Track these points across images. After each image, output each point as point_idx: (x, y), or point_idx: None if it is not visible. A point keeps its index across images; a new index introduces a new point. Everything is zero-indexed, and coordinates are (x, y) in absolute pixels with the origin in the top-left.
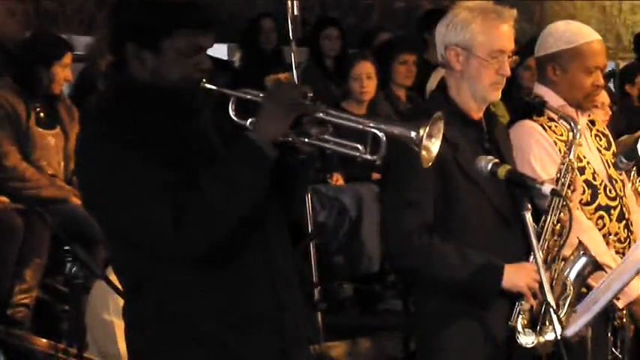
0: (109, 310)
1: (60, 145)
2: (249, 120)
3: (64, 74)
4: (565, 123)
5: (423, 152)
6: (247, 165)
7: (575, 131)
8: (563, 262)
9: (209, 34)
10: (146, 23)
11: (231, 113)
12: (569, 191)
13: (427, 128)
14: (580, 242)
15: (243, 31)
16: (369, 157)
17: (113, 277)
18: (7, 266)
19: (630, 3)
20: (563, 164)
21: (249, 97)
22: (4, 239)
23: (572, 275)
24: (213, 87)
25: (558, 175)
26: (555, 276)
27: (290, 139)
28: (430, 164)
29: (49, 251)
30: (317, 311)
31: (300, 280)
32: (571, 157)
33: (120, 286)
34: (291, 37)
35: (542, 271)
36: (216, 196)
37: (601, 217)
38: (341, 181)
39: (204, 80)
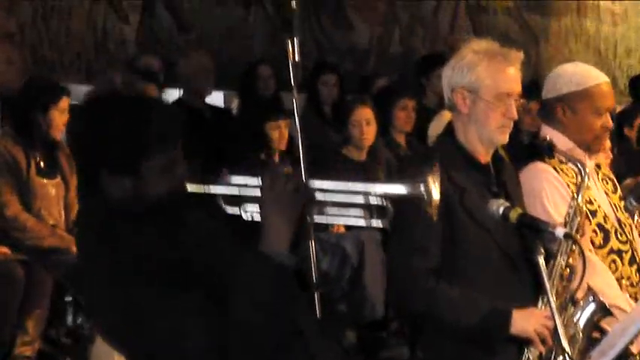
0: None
1: (60, 194)
2: (244, 207)
3: (61, 119)
4: (573, 166)
5: (433, 210)
6: (273, 283)
7: (583, 174)
8: (572, 308)
9: (179, 146)
10: (120, 150)
11: (223, 205)
12: (578, 236)
13: (433, 184)
14: (589, 287)
15: (241, 78)
16: (379, 223)
17: None
18: (8, 317)
19: (625, 47)
20: (572, 208)
21: (237, 192)
22: (5, 290)
23: (582, 321)
24: (200, 190)
25: (567, 219)
26: (565, 322)
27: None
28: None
29: (50, 302)
30: None
31: None
32: (579, 200)
33: None
34: (292, 84)
35: (556, 315)
36: (255, 320)
37: (613, 261)
38: (342, 228)
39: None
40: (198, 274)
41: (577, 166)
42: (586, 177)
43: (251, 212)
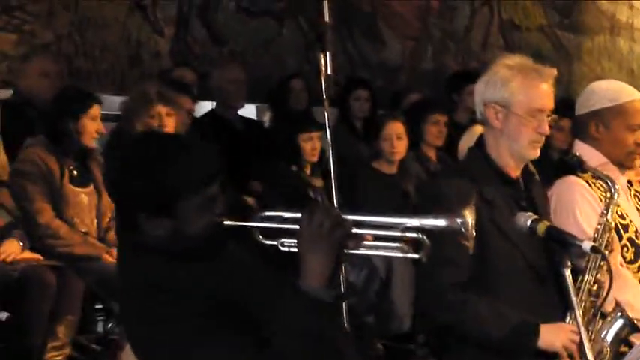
0: None
1: (93, 202)
2: (281, 241)
3: (93, 127)
4: (602, 183)
5: (470, 243)
6: (314, 317)
7: (612, 191)
8: (600, 322)
9: (216, 183)
10: (156, 193)
11: (259, 238)
12: (607, 252)
13: (470, 220)
14: (617, 302)
15: (273, 91)
16: (415, 255)
17: None
18: (40, 323)
19: None
20: (600, 225)
21: (274, 224)
22: (37, 296)
23: (609, 337)
24: (236, 223)
25: (595, 235)
26: (592, 337)
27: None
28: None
29: (80, 309)
30: None
31: None
32: (608, 217)
33: None
34: (324, 97)
35: (582, 329)
36: (294, 352)
37: None
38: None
39: (224, 220)
40: (235, 310)
41: (606, 182)
42: (615, 193)
43: (288, 245)
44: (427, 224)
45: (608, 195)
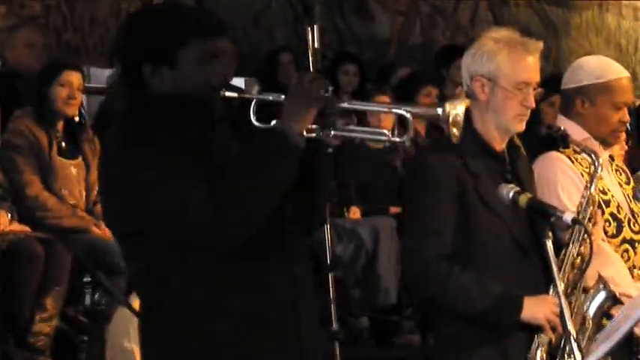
0: (129, 337)
1: (81, 175)
2: (273, 123)
3: (64, 92)
4: (587, 156)
5: (454, 129)
6: (277, 153)
7: (596, 165)
8: (583, 296)
9: (221, 39)
10: (160, 39)
11: (253, 118)
12: (590, 225)
13: (450, 102)
14: (600, 276)
15: (262, 65)
16: (397, 139)
17: (135, 305)
18: (28, 294)
19: None
20: (584, 198)
21: (270, 98)
22: (25, 267)
23: (592, 310)
24: (234, 94)
25: (579, 208)
26: (575, 310)
27: (315, 134)
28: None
29: (68, 281)
30: (335, 341)
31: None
32: (592, 190)
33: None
34: (311, 70)
35: (563, 299)
36: (250, 183)
37: (626, 251)
38: (358, 215)
39: (223, 89)
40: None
41: (590, 156)
42: (599, 167)
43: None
44: (410, 110)
45: (592, 169)
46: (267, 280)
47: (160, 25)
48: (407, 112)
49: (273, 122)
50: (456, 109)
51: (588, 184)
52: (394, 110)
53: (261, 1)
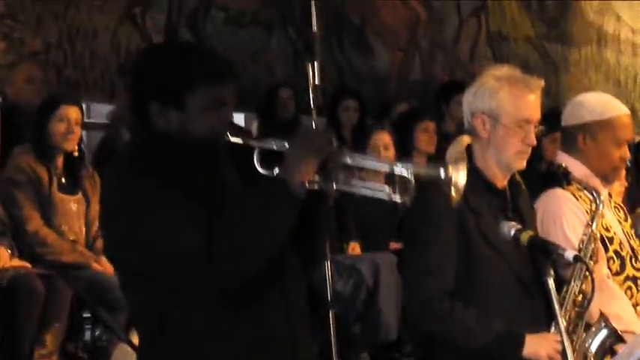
0: None
1: (81, 210)
2: (276, 170)
3: (61, 127)
4: (588, 194)
5: (454, 193)
6: (278, 202)
7: (598, 202)
8: (584, 334)
9: (229, 87)
10: (168, 81)
11: (257, 164)
12: (592, 262)
13: (453, 164)
14: (601, 313)
15: (261, 100)
16: (397, 198)
17: (135, 341)
18: (27, 330)
19: None
20: (586, 235)
21: (274, 146)
22: (25, 303)
23: (594, 347)
24: (238, 139)
25: (580, 245)
26: (577, 347)
27: (316, 185)
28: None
29: (68, 317)
30: None
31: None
32: (593, 228)
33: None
34: (312, 106)
35: (564, 337)
36: (248, 230)
37: (629, 288)
38: (358, 250)
39: (228, 133)
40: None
41: (592, 193)
42: (600, 204)
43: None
44: (411, 169)
45: (594, 206)
46: (264, 311)
47: (172, 67)
48: (408, 171)
49: (276, 170)
50: (458, 174)
51: (590, 222)
52: (396, 169)
53: (261, 37)
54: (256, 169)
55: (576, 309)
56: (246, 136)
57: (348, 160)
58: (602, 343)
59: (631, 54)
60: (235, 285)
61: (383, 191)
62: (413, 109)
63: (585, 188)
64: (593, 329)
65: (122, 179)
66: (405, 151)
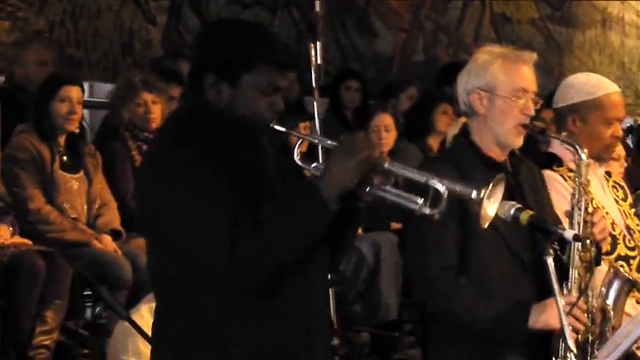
0: (127, 352)
1: (83, 189)
2: (313, 165)
3: (63, 108)
4: (569, 147)
5: (482, 212)
6: (311, 215)
7: (580, 153)
8: (596, 291)
9: (287, 76)
10: (230, 56)
11: (296, 157)
12: (589, 226)
13: (488, 190)
14: (611, 265)
15: None
16: (427, 211)
17: (136, 319)
18: (28, 307)
19: None
20: (576, 187)
21: (317, 142)
22: (26, 280)
23: (611, 299)
24: (283, 129)
25: (572, 200)
26: (594, 303)
27: (352, 186)
28: (486, 226)
29: (69, 294)
30: (336, 357)
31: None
32: (582, 179)
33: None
34: (314, 86)
35: (563, 317)
36: (276, 233)
37: (621, 267)
38: (360, 230)
39: (274, 121)
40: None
41: (573, 146)
42: (583, 155)
43: (318, 169)
44: (446, 184)
45: (576, 157)
46: (285, 302)
47: (236, 43)
48: (443, 185)
49: (313, 166)
50: (491, 203)
51: (577, 174)
52: (430, 182)
53: (265, 18)
54: (294, 161)
55: (584, 264)
56: (292, 128)
57: (387, 167)
58: (618, 293)
59: (635, 36)
60: (251, 284)
61: (415, 202)
62: (429, 92)
63: (565, 142)
64: (605, 282)
65: (165, 147)
66: (422, 132)
